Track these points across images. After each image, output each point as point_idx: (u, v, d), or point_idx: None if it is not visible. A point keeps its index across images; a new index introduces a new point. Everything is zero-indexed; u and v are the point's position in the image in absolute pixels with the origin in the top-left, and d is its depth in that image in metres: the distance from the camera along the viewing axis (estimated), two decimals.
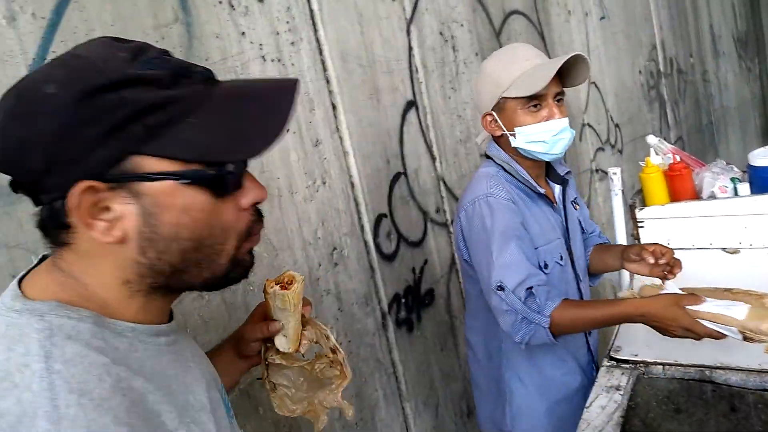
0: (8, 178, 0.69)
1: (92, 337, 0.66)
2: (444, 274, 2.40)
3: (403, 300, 2.15)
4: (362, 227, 1.98)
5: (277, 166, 1.66)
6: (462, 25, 2.57)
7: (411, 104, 2.23)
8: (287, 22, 1.71)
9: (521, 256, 1.48)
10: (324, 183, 1.82)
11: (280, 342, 1.04)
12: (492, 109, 1.60)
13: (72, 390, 0.60)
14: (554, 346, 1.56)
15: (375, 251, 2.02)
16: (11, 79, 1.10)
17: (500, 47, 2.90)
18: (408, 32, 2.23)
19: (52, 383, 0.60)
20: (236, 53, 1.54)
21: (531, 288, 1.45)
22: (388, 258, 2.08)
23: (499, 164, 1.63)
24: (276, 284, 1.01)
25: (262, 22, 1.63)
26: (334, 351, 1.06)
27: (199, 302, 1.45)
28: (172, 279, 0.72)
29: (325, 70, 1.84)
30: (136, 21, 1.33)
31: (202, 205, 0.70)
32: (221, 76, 1.50)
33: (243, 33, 1.57)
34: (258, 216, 0.78)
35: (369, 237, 2.00)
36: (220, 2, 1.52)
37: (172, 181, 0.67)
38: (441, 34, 2.43)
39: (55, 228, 0.69)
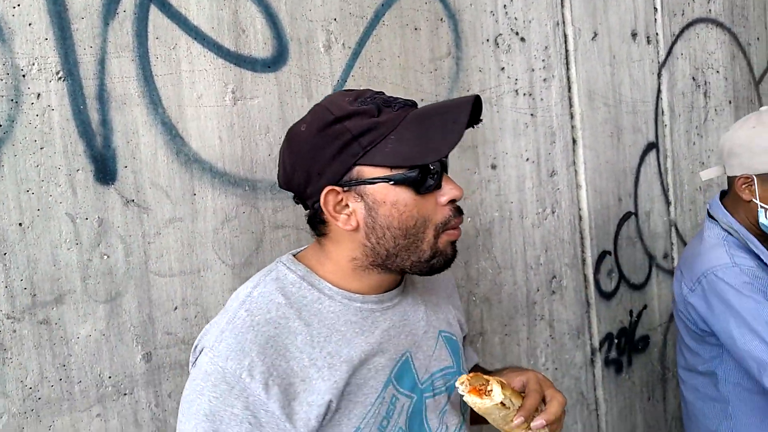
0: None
1: (290, 284, 0.95)
2: (663, 323, 2.32)
3: (615, 341, 2.13)
4: (584, 261, 2.03)
5: (512, 191, 1.79)
6: (717, 71, 2.48)
7: (651, 146, 2.21)
8: (543, 60, 1.84)
9: None
10: (553, 212, 1.91)
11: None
12: (757, 175, 1.48)
13: (247, 309, 0.92)
14: None
15: (594, 287, 2.04)
16: (321, 96, 1.39)
17: (758, 97, 2.73)
18: (659, 75, 2.23)
19: (244, 302, 0.93)
20: (494, 86, 1.71)
21: None
22: (605, 296, 2.09)
23: (726, 230, 1.56)
24: (468, 381, 0.96)
25: (521, 59, 1.78)
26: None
27: None
28: (387, 261, 0.96)
29: (570, 106, 1.93)
30: (417, 53, 1.55)
31: (405, 201, 0.92)
32: None
33: (502, 68, 1.73)
34: (457, 212, 0.96)
35: (590, 271, 2.03)
36: (488, 40, 1.70)
37: (384, 183, 0.92)
38: (694, 79, 2.37)
39: (317, 223, 0.99)
